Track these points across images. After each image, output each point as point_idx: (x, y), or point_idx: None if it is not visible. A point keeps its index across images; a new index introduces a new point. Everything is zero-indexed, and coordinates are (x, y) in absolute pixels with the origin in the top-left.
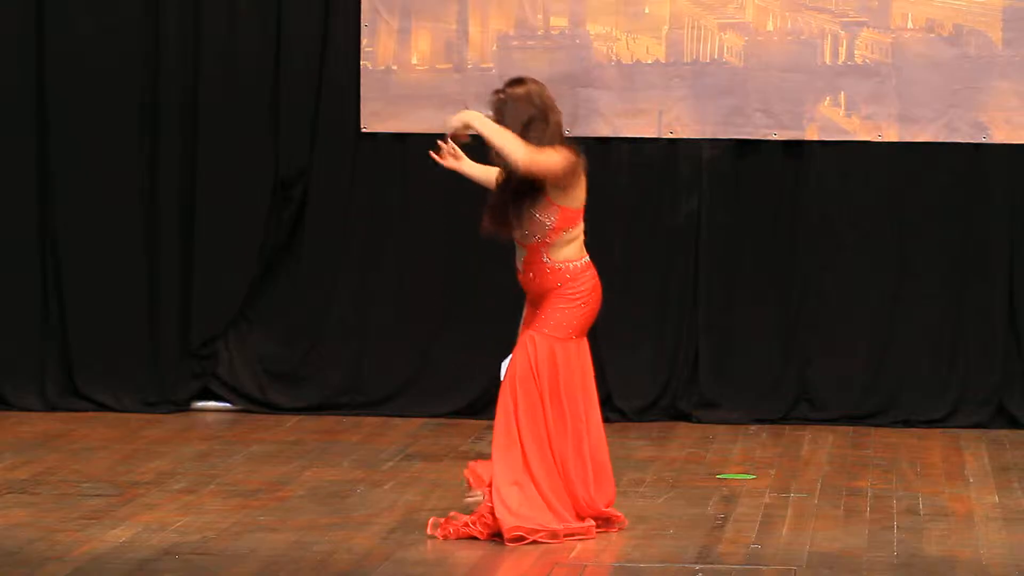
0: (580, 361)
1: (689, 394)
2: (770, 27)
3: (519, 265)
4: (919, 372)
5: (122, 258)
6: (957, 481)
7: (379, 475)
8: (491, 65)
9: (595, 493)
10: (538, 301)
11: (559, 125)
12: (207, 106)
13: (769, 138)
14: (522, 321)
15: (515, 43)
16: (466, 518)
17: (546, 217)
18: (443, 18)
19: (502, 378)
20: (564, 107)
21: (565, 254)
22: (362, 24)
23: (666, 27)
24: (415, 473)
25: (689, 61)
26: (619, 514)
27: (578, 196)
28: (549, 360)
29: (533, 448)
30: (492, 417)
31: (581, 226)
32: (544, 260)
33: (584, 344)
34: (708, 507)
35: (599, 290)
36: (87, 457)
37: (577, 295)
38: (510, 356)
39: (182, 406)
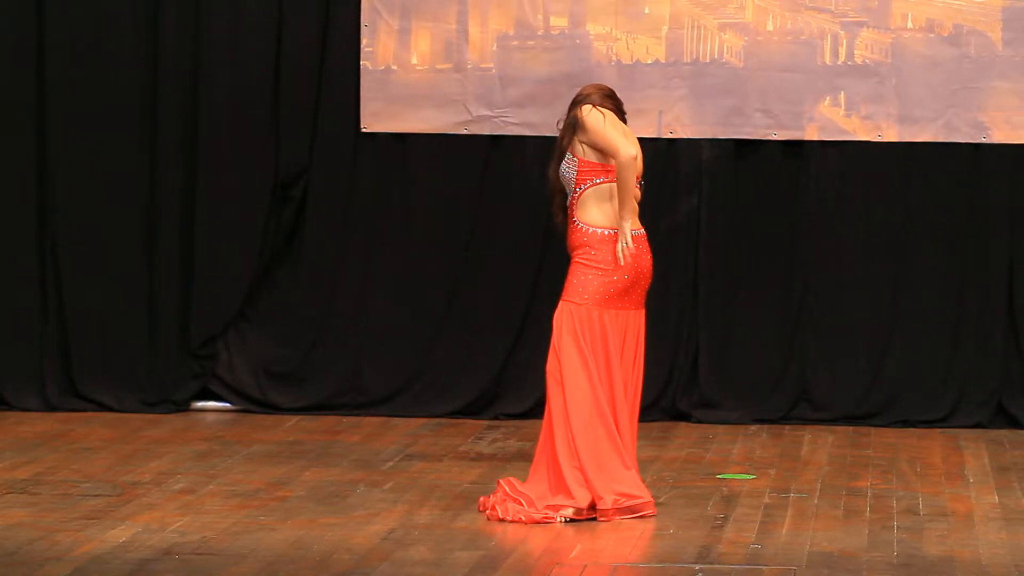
0: (603, 332)
1: (689, 394)
2: (770, 27)
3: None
4: (919, 372)
5: (122, 258)
6: (957, 481)
7: (379, 475)
8: (491, 65)
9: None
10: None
11: (576, 117)
12: (207, 106)
13: (769, 138)
14: None
15: (515, 43)
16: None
17: (569, 168)
18: (443, 18)
19: None
20: (564, 107)
21: (591, 217)
22: (362, 24)
23: (666, 27)
24: (415, 473)
25: (689, 61)
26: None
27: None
28: (566, 326)
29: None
30: (492, 417)
31: (613, 190)
32: (574, 220)
33: (611, 316)
34: (708, 507)
35: (632, 265)
36: (87, 457)
37: (592, 262)
38: None
39: (182, 406)
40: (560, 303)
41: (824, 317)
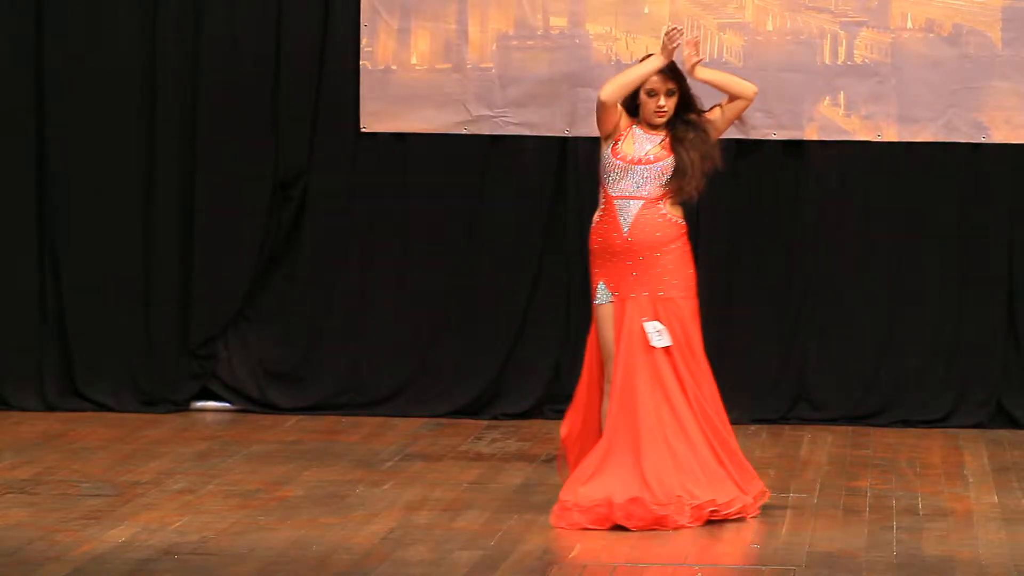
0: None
1: None
2: (769, 27)
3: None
4: (919, 372)
5: (121, 258)
6: (956, 481)
7: (379, 475)
8: (491, 65)
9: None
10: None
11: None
12: (207, 106)
13: (769, 138)
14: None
15: (515, 43)
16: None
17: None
18: (443, 18)
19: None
20: (564, 107)
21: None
22: (362, 24)
23: (666, 27)
24: (415, 473)
25: None
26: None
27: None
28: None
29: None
30: (492, 417)
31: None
32: (664, 212)
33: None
34: None
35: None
36: (87, 457)
37: (687, 254)
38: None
39: (181, 406)
40: (690, 301)
41: (824, 317)
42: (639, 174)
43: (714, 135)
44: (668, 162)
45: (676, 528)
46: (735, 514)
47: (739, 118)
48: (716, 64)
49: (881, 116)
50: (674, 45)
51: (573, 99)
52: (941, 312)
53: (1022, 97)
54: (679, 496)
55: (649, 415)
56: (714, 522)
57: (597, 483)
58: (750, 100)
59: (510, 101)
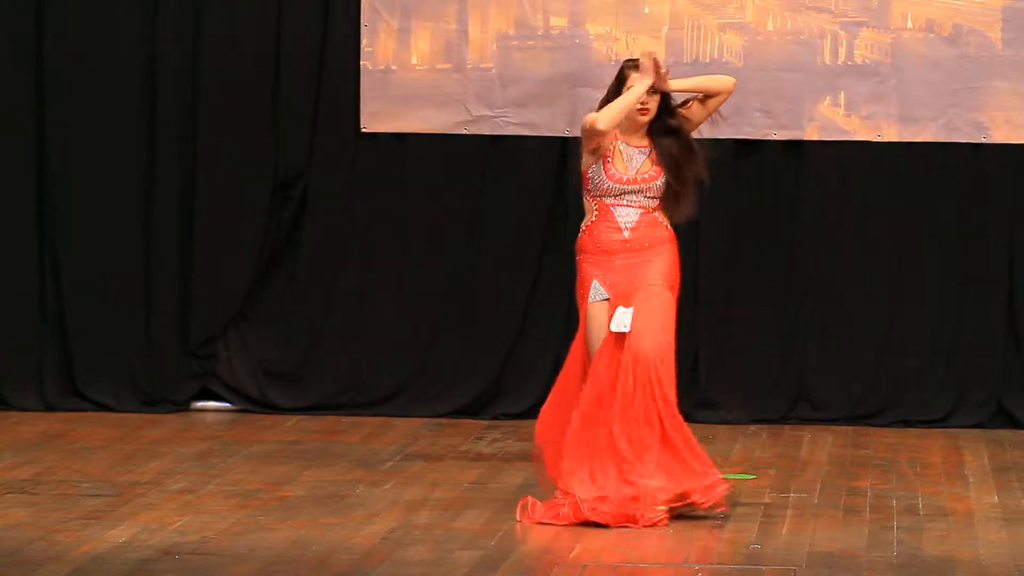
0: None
1: (689, 394)
2: (770, 27)
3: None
4: (919, 372)
5: (121, 258)
6: (957, 481)
7: (379, 475)
8: (491, 65)
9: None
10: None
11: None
12: (207, 106)
13: (769, 138)
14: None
15: (515, 43)
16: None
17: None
18: (443, 18)
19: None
20: (564, 107)
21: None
22: (362, 24)
23: (666, 27)
24: (415, 473)
25: (689, 61)
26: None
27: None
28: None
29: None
30: (492, 417)
31: None
32: (659, 219)
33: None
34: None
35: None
36: (87, 457)
37: (675, 256)
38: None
39: (182, 406)
40: (670, 292)
41: (824, 317)
42: (635, 192)
43: (692, 128)
44: (661, 180)
45: (647, 525)
46: (685, 498)
47: (716, 112)
48: (717, 64)
49: (881, 116)
50: (655, 67)
51: (573, 99)
52: (941, 312)
53: (1022, 97)
54: (650, 492)
55: (616, 414)
56: (715, 522)
57: (563, 480)
58: (730, 93)
59: (510, 101)
